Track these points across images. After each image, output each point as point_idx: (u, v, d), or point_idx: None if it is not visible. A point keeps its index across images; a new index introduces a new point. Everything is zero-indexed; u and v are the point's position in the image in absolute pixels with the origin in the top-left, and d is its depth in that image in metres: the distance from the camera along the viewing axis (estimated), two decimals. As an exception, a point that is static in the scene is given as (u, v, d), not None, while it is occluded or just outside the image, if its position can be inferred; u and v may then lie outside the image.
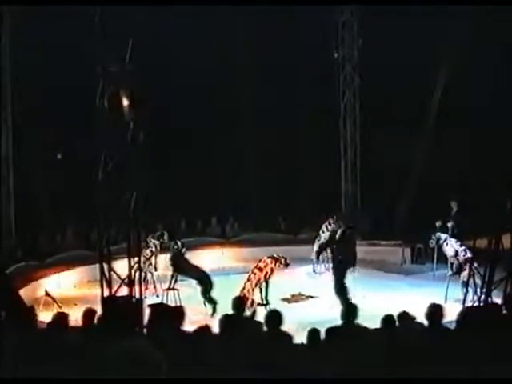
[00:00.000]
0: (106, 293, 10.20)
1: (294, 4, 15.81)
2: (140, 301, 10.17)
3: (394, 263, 16.40)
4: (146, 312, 7.79)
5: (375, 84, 17.42)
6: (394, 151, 17.60)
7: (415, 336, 6.39)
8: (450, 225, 14.15)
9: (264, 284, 12.51)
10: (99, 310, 8.09)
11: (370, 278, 15.03)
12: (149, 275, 13.82)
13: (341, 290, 12.13)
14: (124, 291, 10.24)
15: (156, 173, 16.38)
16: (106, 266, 10.32)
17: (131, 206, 10.42)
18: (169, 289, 12.98)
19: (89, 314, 7.23)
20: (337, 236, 12.71)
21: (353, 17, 18.32)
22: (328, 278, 15.25)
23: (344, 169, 19.12)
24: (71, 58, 15.20)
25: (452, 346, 5.93)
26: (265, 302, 12.28)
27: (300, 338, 6.67)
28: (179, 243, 13.49)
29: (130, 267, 10.35)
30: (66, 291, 14.47)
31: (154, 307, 7.83)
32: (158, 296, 13.36)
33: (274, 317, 6.52)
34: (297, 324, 9.58)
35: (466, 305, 10.85)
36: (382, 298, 12.50)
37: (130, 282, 10.25)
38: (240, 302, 7.76)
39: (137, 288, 10.31)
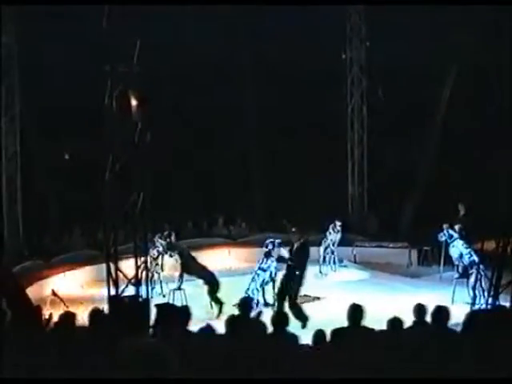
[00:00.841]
0: (113, 292, 10.22)
1: (303, 4, 15.80)
2: (147, 300, 10.19)
3: (401, 265, 16.36)
4: (153, 312, 7.80)
5: (382, 86, 17.41)
6: (400, 153, 17.58)
7: (421, 338, 6.37)
8: (457, 227, 14.11)
9: (270, 284, 12.52)
10: (106, 310, 8.10)
11: (376, 280, 15.03)
12: (155, 275, 13.83)
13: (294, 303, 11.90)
14: (131, 291, 10.26)
15: (163, 173, 16.40)
16: (112, 266, 10.35)
17: (138, 206, 10.44)
18: (177, 289, 12.98)
19: (95, 313, 7.24)
20: (294, 248, 12.37)
21: (360, 19, 18.32)
22: (334, 280, 15.29)
23: (351, 170, 19.11)
24: (80, 58, 15.24)
25: (458, 349, 5.91)
26: (271, 303, 12.28)
27: (306, 339, 6.67)
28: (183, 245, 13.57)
29: (137, 267, 10.38)
30: (72, 290, 14.49)
31: (160, 307, 7.83)
32: (164, 296, 13.38)
33: (280, 318, 6.52)
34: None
35: (474, 308, 10.82)
36: (388, 300, 12.47)
37: (136, 282, 10.27)
38: (246, 303, 7.75)
39: (143, 288, 10.34)
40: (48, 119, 16.47)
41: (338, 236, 15.94)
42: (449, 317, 6.35)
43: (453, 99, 17.46)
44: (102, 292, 12.25)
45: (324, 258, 15.85)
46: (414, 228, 17.05)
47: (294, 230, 12.81)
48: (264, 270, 12.50)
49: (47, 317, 8.19)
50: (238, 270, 15.87)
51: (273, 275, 12.52)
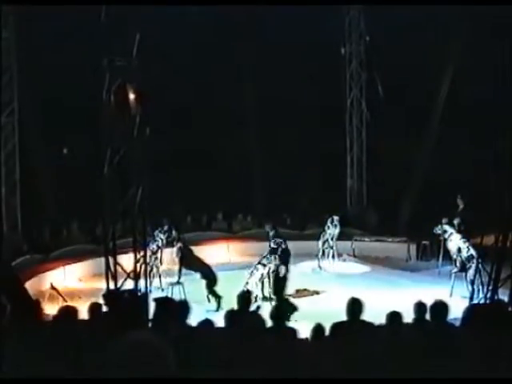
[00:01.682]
0: (112, 286, 10.22)
1: (301, 4, 15.78)
2: (145, 295, 10.19)
3: (400, 259, 16.38)
4: (151, 306, 7.79)
5: (381, 79, 17.41)
6: (399, 147, 17.58)
7: (419, 332, 6.37)
8: (456, 222, 14.12)
9: (268, 279, 12.52)
10: (104, 304, 8.09)
11: (375, 274, 15.04)
12: (154, 269, 13.84)
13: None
14: (130, 285, 10.26)
15: (162, 167, 16.39)
16: (111, 260, 10.34)
17: (137, 200, 10.43)
18: (176, 283, 12.99)
19: (94, 307, 7.24)
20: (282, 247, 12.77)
21: (360, 14, 18.30)
22: (333, 274, 15.30)
23: (350, 165, 19.11)
24: (77, 52, 15.20)
25: (456, 343, 5.91)
26: (270, 297, 12.29)
27: (305, 333, 6.67)
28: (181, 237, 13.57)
29: (136, 261, 10.37)
30: (71, 284, 14.51)
31: (159, 301, 7.82)
32: (163, 290, 13.39)
33: (279, 312, 6.52)
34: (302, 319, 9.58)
35: (472, 302, 10.83)
36: (387, 294, 12.49)
37: (135, 276, 10.27)
38: (245, 297, 7.75)
39: (142, 282, 10.33)
40: (46, 113, 16.43)
41: (337, 230, 15.95)
42: (447, 311, 6.35)
43: (451, 94, 17.46)
44: (100, 286, 12.26)
45: (323, 252, 15.86)
46: (413, 222, 17.06)
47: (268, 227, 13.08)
48: (264, 266, 12.50)
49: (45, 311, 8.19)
50: (237, 263, 15.87)
51: (271, 271, 12.53)
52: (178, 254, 13.40)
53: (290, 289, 13.38)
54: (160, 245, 14.10)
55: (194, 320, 6.37)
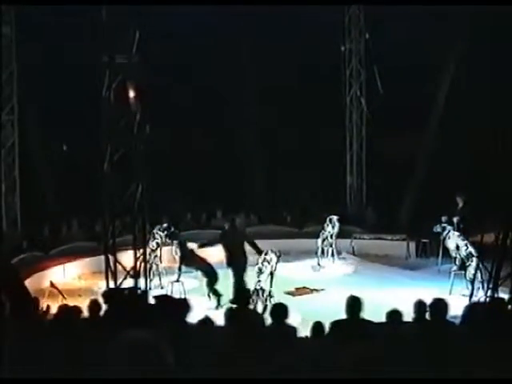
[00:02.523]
0: (112, 284, 10.22)
1: (301, 4, 15.78)
2: (145, 292, 10.18)
3: (399, 257, 16.37)
4: (151, 304, 7.80)
5: (381, 78, 17.40)
6: (399, 145, 17.57)
7: (419, 331, 6.37)
8: (455, 220, 14.11)
9: (269, 277, 12.49)
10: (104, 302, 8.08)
11: (374, 271, 15.03)
12: (154, 267, 13.83)
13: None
14: (129, 283, 10.26)
15: (161, 164, 16.38)
16: (111, 258, 10.34)
17: (137, 198, 10.42)
18: (175, 281, 12.98)
19: (94, 305, 7.23)
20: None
21: (359, 11, 18.29)
22: (332, 272, 15.30)
23: (349, 162, 19.10)
24: (78, 49, 15.19)
25: (456, 342, 5.91)
26: (270, 295, 12.26)
27: (304, 331, 6.67)
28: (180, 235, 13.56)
29: (136, 259, 10.37)
30: (70, 282, 14.51)
31: (158, 299, 7.82)
32: (162, 288, 13.38)
33: (280, 310, 6.52)
34: (301, 317, 9.59)
35: (472, 300, 10.83)
36: (387, 293, 12.48)
37: (135, 274, 10.27)
38: (245, 295, 7.75)
39: (142, 280, 10.34)
40: (47, 110, 16.41)
41: (336, 229, 15.94)
42: (447, 309, 6.35)
43: (451, 92, 17.45)
44: (100, 284, 12.26)
45: (322, 250, 15.85)
46: (413, 220, 17.05)
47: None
48: (268, 263, 12.44)
49: (45, 309, 8.19)
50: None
51: (273, 269, 12.48)
52: (177, 252, 13.39)
53: (289, 287, 13.39)
54: (159, 242, 14.09)
55: (193, 318, 6.38)
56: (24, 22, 15.39)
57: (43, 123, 16.67)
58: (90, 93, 11.72)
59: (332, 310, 8.50)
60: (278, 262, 12.34)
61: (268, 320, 6.56)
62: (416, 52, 16.72)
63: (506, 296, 9.01)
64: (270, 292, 12.04)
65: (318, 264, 15.70)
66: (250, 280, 12.08)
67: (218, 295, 12.35)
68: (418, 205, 17.22)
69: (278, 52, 17.62)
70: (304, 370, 4.59)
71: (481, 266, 11.25)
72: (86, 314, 6.96)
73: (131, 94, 10.81)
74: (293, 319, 6.73)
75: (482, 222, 11.58)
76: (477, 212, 13.91)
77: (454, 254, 13.18)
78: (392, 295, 12.06)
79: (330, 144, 18.44)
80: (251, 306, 9.51)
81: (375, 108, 18.20)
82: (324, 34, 17.37)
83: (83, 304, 7.44)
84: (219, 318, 6.52)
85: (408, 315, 6.62)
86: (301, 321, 9.08)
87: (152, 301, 7.97)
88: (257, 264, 12.25)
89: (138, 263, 10.44)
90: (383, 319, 6.62)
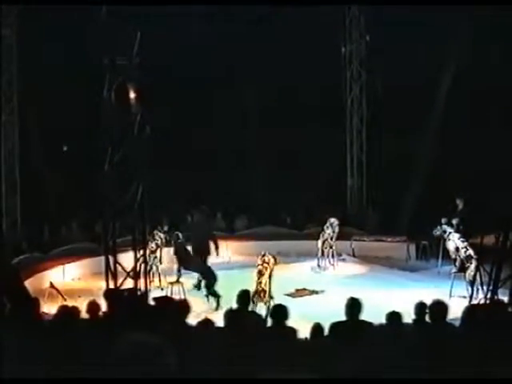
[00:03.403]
0: (112, 285, 10.21)
1: (302, 4, 15.77)
2: (145, 294, 10.18)
3: (399, 259, 16.37)
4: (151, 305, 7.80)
5: (381, 79, 17.42)
6: (400, 147, 17.57)
7: (419, 332, 6.38)
8: (455, 222, 14.11)
9: (267, 279, 12.48)
10: (103, 303, 8.09)
11: (374, 274, 15.04)
12: (154, 268, 13.83)
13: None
14: (129, 284, 10.25)
15: (162, 165, 16.37)
16: (111, 259, 10.33)
17: (137, 199, 10.42)
18: (175, 282, 12.99)
19: (93, 306, 7.24)
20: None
21: (360, 13, 18.30)
22: (332, 274, 15.30)
23: (350, 164, 19.11)
24: (78, 50, 15.21)
25: (456, 343, 5.91)
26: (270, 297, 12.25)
27: (304, 332, 6.67)
28: (180, 235, 13.52)
29: (136, 260, 10.36)
30: (70, 283, 14.50)
31: (158, 300, 7.83)
32: (162, 289, 13.38)
33: (280, 311, 6.52)
34: (301, 319, 9.58)
35: (472, 302, 10.82)
36: (387, 294, 12.48)
37: (135, 275, 10.26)
38: (246, 296, 7.74)
39: (142, 281, 10.32)
40: (47, 111, 16.41)
41: (336, 230, 15.93)
42: (447, 311, 6.35)
43: (452, 91, 17.45)
44: (100, 285, 12.25)
45: (322, 251, 15.84)
46: (413, 222, 17.05)
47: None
48: (267, 264, 12.42)
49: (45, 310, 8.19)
50: (236, 263, 15.87)
51: (271, 270, 12.47)
52: (176, 254, 13.40)
53: (289, 288, 13.38)
54: (159, 244, 14.10)
55: (193, 319, 6.38)
56: (24, 23, 15.40)
57: (43, 124, 16.66)
58: (91, 94, 11.72)
59: (332, 312, 8.50)
60: (275, 263, 12.32)
61: (268, 321, 6.57)
62: (416, 52, 16.73)
63: (505, 298, 9.01)
64: (269, 293, 12.04)
65: (318, 265, 15.70)
66: (251, 282, 12.07)
67: (216, 296, 12.35)
68: (418, 206, 17.21)
69: (278, 52, 17.62)
70: (304, 370, 4.58)
71: (480, 267, 11.24)
72: (85, 314, 6.97)
73: (132, 95, 10.81)
74: (292, 320, 6.73)
75: (481, 224, 11.56)
76: (477, 214, 13.90)
77: (453, 256, 13.19)
78: (392, 297, 12.07)
79: (330, 145, 18.43)
80: (251, 308, 9.51)
81: (375, 109, 18.21)
82: (324, 36, 17.38)
83: (83, 305, 7.45)
84: (219, 319, 6.52)
85: (408, 317, 6.63)
86: (300, 322, 9.07)
87: (152, 302, 7.98)
88: (257, 266, 12.25)
89: (138, 264, 10.42)
90: (383, 321, 6.62)
